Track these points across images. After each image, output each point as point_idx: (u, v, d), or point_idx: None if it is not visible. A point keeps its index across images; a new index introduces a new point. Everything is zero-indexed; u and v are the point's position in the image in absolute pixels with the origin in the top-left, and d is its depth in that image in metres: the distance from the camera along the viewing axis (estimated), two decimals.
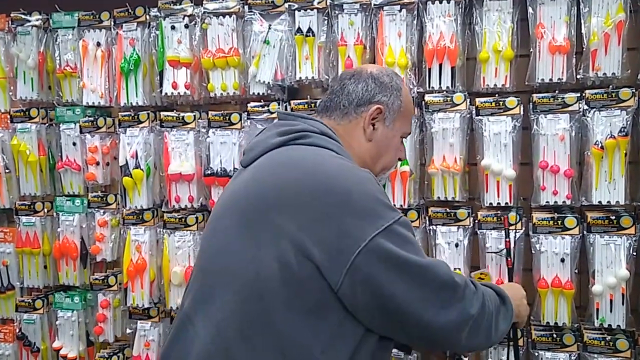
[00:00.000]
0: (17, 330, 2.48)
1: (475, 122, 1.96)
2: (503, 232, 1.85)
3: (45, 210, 2.45)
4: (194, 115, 2.22)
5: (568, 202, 1.89)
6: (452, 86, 1.98)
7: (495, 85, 1.96)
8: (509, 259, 1.73)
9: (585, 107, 1.86)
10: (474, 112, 1.96)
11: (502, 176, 1.93)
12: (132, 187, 2.26)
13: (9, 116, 2.46)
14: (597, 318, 1.85)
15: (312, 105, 2.09)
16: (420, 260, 1.10)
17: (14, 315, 2.50)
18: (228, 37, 2.17)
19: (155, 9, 2.26)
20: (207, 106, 2.33)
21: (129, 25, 2.29)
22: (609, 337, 1.85)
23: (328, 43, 2.11)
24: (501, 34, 1.94)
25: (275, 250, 1.09)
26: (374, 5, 2.03)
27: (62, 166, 2.41)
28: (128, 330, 2.37)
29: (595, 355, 1.85)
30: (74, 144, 2.40)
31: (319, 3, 2.07)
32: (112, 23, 2.32)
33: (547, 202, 1.91)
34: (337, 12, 2.07)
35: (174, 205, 2.25)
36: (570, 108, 1.87)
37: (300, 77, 2.10)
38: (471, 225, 1.98)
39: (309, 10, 2.08)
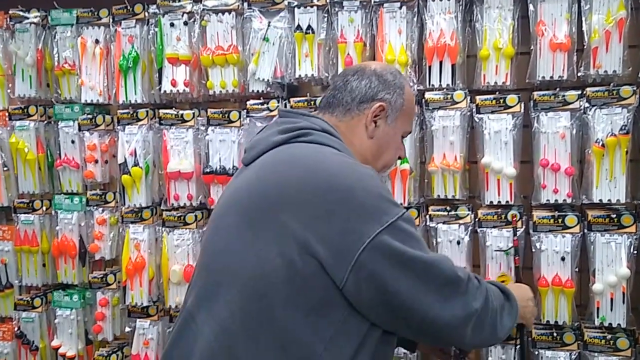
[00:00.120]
0: (16, 329, 2.48)
1: (475, 120, 1.96)
2: (511, 230, 1.87)
3: (44, 208, 2.44)
4: (193, 113, 2.22)
5: (569, 201, 1.89)
6: (452, 84, 1.97)
7: (495, 83, 1.95)
8: (517, 258, 1.72)
9: (586, 104, 1.85)
10: (474, 109, 1.95)
11: (503, 174, 1.93)
12: (131, 185, 2.25)
13: (7, 114, 2.45)
14: (598, 317, 1.84)
15: (312, 102, 2.08)
16: (424, 256, 1.10)
17: (13, 313, 2.49)
18: (227, 34, 2.16)
19: (154, 6, 2.25)
20: (206, 104, 2.32)
21: (128, 22, 2.28)
22: (609, 336, 1.84)
23: (328, 40, 2.10)
24: (502, 32, 1.93)
25: (279, 248, 1.09)
26: (374, 2, 2.02)
27: (61, 164, 2.40)
28: (127, 329, 2.36)
29: (596, 354, 1.85)
30: (73, 141, 2.39)
31: (318, 0, 2.06)
32: (111, 20, 2.31)
33: (547, 200, 1.90)
34: (336, 9, 2.06)
35: (172, 204, 2.24)
36: (571, 106, 1.87)
37: (299, 75, 2.09)
38: (472, 222, 1.97)
39: (308, 8, 2.07)
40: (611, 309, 1.83)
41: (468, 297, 1.14)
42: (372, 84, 1.33)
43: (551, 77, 1.88)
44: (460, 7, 1.97)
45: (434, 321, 1.11)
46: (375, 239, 1.07)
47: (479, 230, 1.95)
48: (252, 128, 2.13)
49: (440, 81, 1.98)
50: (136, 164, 2.24)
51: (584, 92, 1.86)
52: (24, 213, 2.44)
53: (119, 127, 2.28)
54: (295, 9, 2.09)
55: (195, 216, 2.21)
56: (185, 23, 2.21)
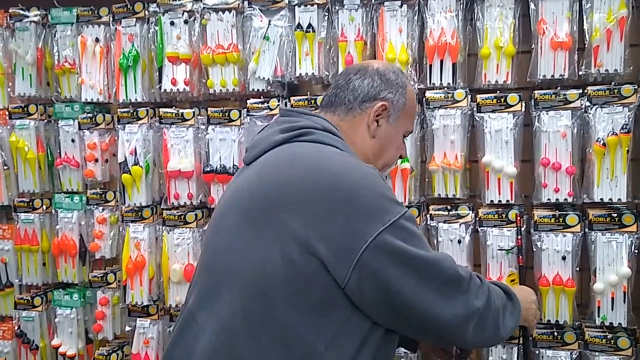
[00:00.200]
0: (16, 328, 2.47)
1: (476, 118, 1.95)
2: (512, 230, 1.86)
3: (44, 207, 2.44)
4: (193, 112, 2.21)
5: (570, 200, 1.88)
6: (453, 83, 1.97)
7: (496, 81, 1.95)
8: (521, 257, 1.72)
9: (587, 103, 1.85)
10: (475, 108, 1.95)
11: (503, 173, 1.92)
12: (131, 184, 2.25)
13: (7, 112, 2.45)
14: (599, 316, 1.84)
15: (312, 101, 2.08)
16: (426, 255, 1.10)
17: (13, 312, 2.49)
18: (227, 33, 2.16)
19: (154, 5, 2.24)
20: (206, 102, 2.32)
21: (128, 21, 2.28)
22: (610, 335, 1.84)
23: (328, 39, 2.10)
24: (503, 30, 1.92)
25: (280, 248, 1.09)
26: (375, 0, 2.02)
27: (61, 163, 2.40)
28: (127, 328, 2.36)
29: (597, 354, 1.85)
30: (73, 140, 2.39)
31: None
32: (111, 19, 2.31)
33: (548, 199, 1.90)
34: (337, 7, 2.06)
35: (173, 203, 2.24)
36: (572, 105, 1.86)
37: (300, 74, 2.09)
38: (472, 221, 1.97)
39: (309, 6, 2.07)
40: (612, 308, 1.83)
41: (470, 295, 1.14)
42: (375, 83, 1.33)
43: (552, 75, 1.88)
44: (461, 5, 1.96)
45: (436, 319, 1.10)
46: (377, 238, 1.07)
47: (479, 229, 1.95)
48: (252, 127, 2.12)
49: (441, 80, 1.98)
50: (136, 163, 2.24)
51: (585, 91, 1.86)
52: (24, 212, 2.44)
53: (119, 126, 2.27)
54: (296, 7, 2.08)
55: (196, 215, 2.21)
56: (186, 22, 2.20)
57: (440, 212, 1.99)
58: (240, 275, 1.13)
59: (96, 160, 2.34)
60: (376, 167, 1.32)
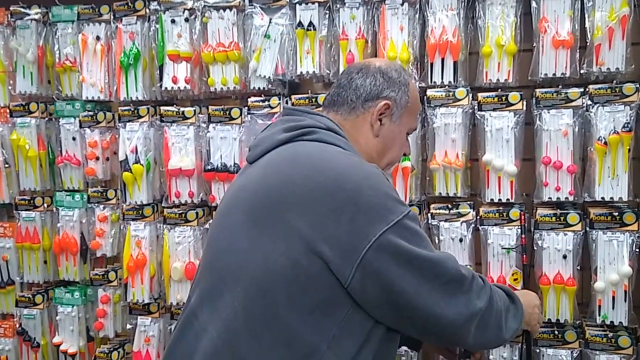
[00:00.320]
0: (17, 326, 2.48)
1: (477, 117, 1.95)
2: (513, 228, 1.86)
3: (45, 205, 2.44)
4: (194, 110, 2.21)
5: (571, 198, 1.88)
6: (454, 81, 1.97)
7: (497, 80, 1.94)
8: (524, 256, 1.72)
9: (589, 102, 1.84)
10: (476, 107, 1.95)
11: (504, 172, 1.92)
12: (132, 182, 2.25)
13: (8, 110, 2.45)
14: (599, 315, 1.84)
15: (313, 99, 2.07)
16: (430, 255, 1.11)
17: (14, 310, 2.49)
18: (228, 31, 2.16)
19: (155, 3, 2.24)
20: (207, 101, 2.32)
21: (129, 19, 2.28)
22: (611, 334, 1.84)
23: (329, 37, 2.10)
24: (504, 28, 1.92)
25: (284, 247, 1.09)
26: None
27: (62, 161, 2.40)
28: (128, 326, 2.36)
29: (597, 352, 1.84)
30: (74, 138, 2.39)
31: None
32: (112, 17, 2.31)
33: (549, 198, 1.89)
34: (338, 5, 2.05)
35: (174, 201, 2.24)
36: (573, 103, 1.86)
37: (301, 72, 2.09)
38: (474, 220, 1.97)
39: (310, 4, 2.07)
40: (613, 307, 1.83)
41: (472, 295, 1.14)
42: (377, 82, 1.32)
43: (554, 74, 1.87)
44: (463, 3, 1.96)
45: (438, 319, 1.11)
46: (380, 238, 1.07)
47: (480, 228, 1.95)
48: (253, 125, 2.12)
49: (442, 78, 1.97)
50: (137, 161, 2.24)
51: (587, 90, 1.85)
52: (25, 210, 2.44)
53: (120, 124, 2.27)
54: (297, 5, 2.08)
55: (197, 213, 2.21)
56: (186, 20, 2.20)
57: (441, 211, 1.99)
58: (243, 275, 1.13)
59: (97, 159, 2.34)
60: (380, 165, 1.32)
